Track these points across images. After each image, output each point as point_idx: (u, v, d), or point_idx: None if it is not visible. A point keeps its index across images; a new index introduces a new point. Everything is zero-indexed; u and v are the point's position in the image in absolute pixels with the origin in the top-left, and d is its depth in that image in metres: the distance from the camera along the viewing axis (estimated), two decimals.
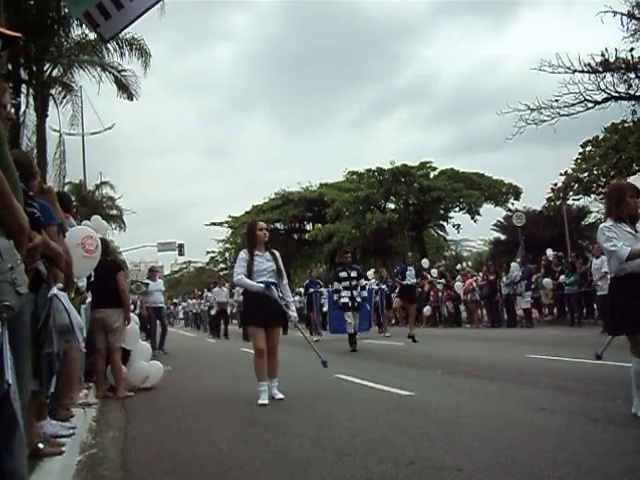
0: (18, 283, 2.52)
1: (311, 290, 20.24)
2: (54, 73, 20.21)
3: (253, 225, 7.28)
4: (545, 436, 4.49)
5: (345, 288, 13.96)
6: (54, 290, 3.88)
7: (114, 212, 35.55)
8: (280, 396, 6.87)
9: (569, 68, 23.41)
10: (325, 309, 19.46)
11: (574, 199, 30.87)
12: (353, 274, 14.07)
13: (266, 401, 6.61)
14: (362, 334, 16.15)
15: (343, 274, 14.11)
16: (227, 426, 5.67)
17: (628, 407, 5.37)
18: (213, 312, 25.14)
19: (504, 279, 20.47)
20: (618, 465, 3.60)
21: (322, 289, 20.53)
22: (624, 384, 6.63)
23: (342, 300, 13.90)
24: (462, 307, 23.54)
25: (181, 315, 48.18)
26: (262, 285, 6.87)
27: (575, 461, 3.74)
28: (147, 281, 16.59)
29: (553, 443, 4.26)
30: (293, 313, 7.30)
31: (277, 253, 7.27)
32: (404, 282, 16.18)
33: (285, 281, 7.27)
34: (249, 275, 6.95)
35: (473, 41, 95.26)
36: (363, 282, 14.70)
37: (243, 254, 7.14)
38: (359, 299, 14.09)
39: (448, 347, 10.33)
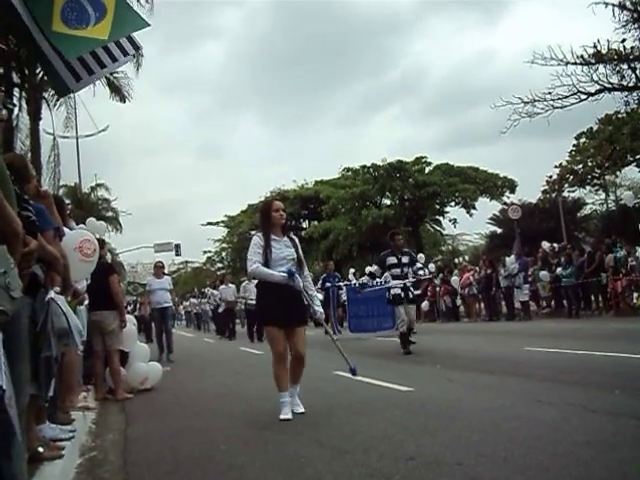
0: (12, 287, 2.52)
1: (328, 284, 18.52)
2: (46, 76, 20.17)
3: (268, 205, 6.20)
4: (543, 428, 4.50)
5: (395, 277, 11.50)
6: (51, 294, 3.88)
7: (110, 214, 35.53)
8: (301, 410, 5.87)
9: (562, 60, 23.45)
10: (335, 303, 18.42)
11: (569, 191, 31.02)
12: (405, 259, 11.56)
13: (289, 415, 5.63)
14: (383, 332, 15.73)
15: (392, 260, 11.56)
16: (226, 426, 5.68)
17: (626, 398, 5.40)
18: (220, 310, 23.48)
19: (502, 272, 20.49)
20: (617, 455, 3.62)
21: (340, 283, 19.12)
22: (621, 375, 6.69)
23: (393, 292, 11.39)
24: (459, 301, 23.58)
25: (182, 315, 47.77)
26: (285, 274, 5.79)
27: (574, 452, 3.75)
28: (147, 280, 15.02)
29: (551, 435, 4.27)
30: (318, 308, 6.20)
31: (296, 239, 6.23)
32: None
33: (307, 271, 6.19)
34: (265, 264, 5.85)
35: (465, 35, 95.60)
36: (418, 265, 12.63)
37: (257, 239, 5.96)
38: (415, 291, 11.89)
39: (446, 342, 10.36)
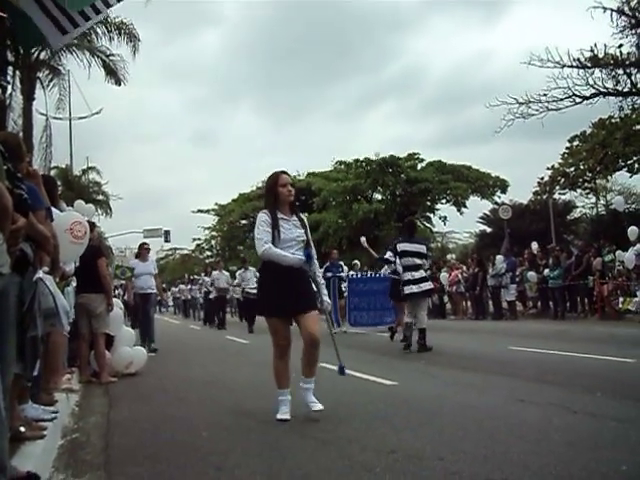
0: (0, 263, 2.51)
1: (329, 274, 16.65)
2: (41, 56, 20.05)
3: (273, 179, 5.39)
4: (525, 427, 4.53)
5: (406, 267, 10.40)
6: (40, 274, 3.87)
7: (100, 197, 35.35)
8: (318, 407, 5.14)
9: (558, 63, 23.50)
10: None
11: (560, 193, 31.15)
12: (420, 249, 10.60)
13: (287, 416, 5.09)
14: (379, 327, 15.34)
15: (405, 247, 10.46)
16: (209, 413, 5.68)
17: (607, 400, 5.44)
18: (212, 296, 22.14)
19: (490, 271, 20.56)
20: (596, 456, 3.65)
21: (342, 274, 17.47)
22: (604, 377, 6.74)
23: (408, 289, 10.30)
24: (446, 298, 23.62)
25: (170, 302, 47.16)
26: (302, 258, 5.22)
27: (554, 452, 3.78)
28: (134, 263, 13.44)
29: (533, 434, 4.30)
30: (326, 298, 5.54)
31: (305, 219, 5.58)
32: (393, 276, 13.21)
33: (315, 257, 5.48)
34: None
35: (464, 34, 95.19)
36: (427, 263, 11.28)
37: (265, 216, 5.26)
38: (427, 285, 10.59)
39: (432, 338, 10.37)
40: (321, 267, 19.64)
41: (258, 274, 6.52)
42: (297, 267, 5.20)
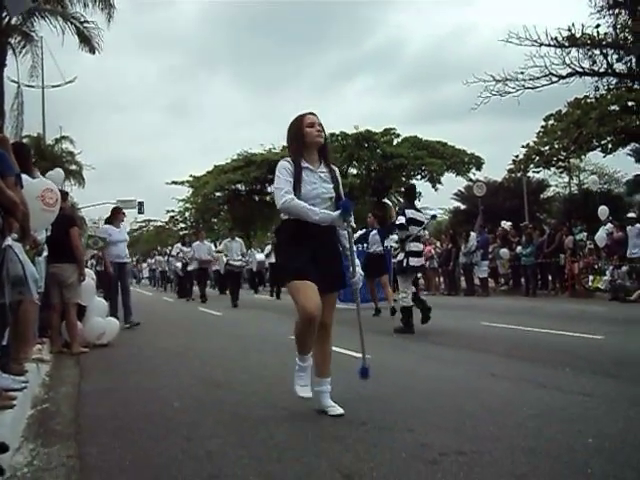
0: None
1: None
2: (13, 21, 19.63)
3: (298, 120, 4.39)
4: (495, 400, 4.59)
5: (418, 238, 9.60)
6: (8, 241, 3.80)
7: (73, 167, 34.94)
8: (338, 411, 4.23)
9: (536, 41, 23.52)
10: None
11: (534, 171, 31.26)
12: (424, 218, 9.80)
13: (309, 393, 4.33)
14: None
15: (412, 214, 9.55)
16: (181, 384, 5.67)
17: (575, 375, 5.53)
18: (191, 268, 21.15)
19: (462, 248, 20.70)
20: (564, 429, 3.70)
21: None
22: (573, 353, 6.85)
23: (414, 261, 9.37)
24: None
25: (146, 274, 46.26)
26: (334, 213, 4.22)
27: (523, 425, 3.84)
28: (108, 229, 11.96)
29: (502, 407, 4.36)
30: (359, 269, 4.47)
31: (337, 170, 4.53)
32: (370, 250, 13.13)
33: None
34: None
35: (443, 9, 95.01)
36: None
37: (286, 163, 4.31)
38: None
39: None
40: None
41: (275, 239, 5.34)
42: (325, 228, 4.24)
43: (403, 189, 10.29)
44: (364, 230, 13.86)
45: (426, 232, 9.44)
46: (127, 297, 11.80)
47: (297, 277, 4.14)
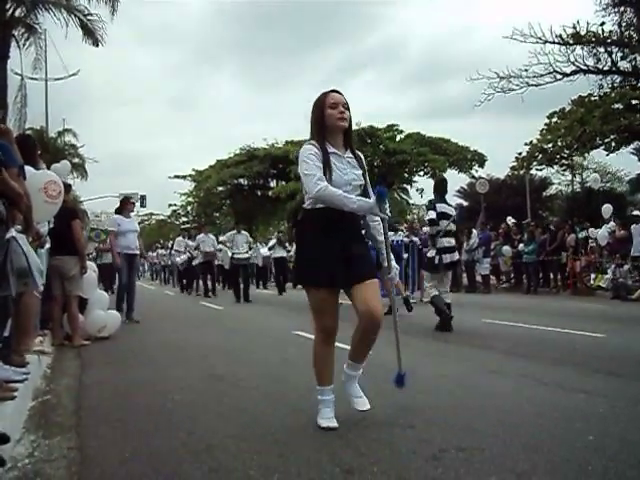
0: None
1: None
2: (17, 13, 19.61)
3: (320, 100, 3.94)
4: (496, 398, 4.59)
5: (445, 234, 9.25)
6: (12, 232, 3.80)
7: (76, 160, 34.87)
8: (365, 407, 4.04)
9: (540, 38, 23.55)
10: None
11: (537, 169, 31.26)
12: (453, 212, 9.42)
13: (333, 422, 3.81)
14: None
15: (443, 207, 9.30)
16: (182, 377, 5.67)
17: (576, 373, 5.53)
18: (195, 263, 20.73)
19: (465, 245, 20.67)
20: (565, 426, 3.70)
21: None
22: (574, 351, 6.84)
23: (448, 257, 9.17)
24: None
25: (146, 267, 46.31)
26: (373, 200, 3.75)
27: (524, 422, 3.83)
28: (117, 219, 11.43)
29: (503, 404, 4.36)
30: (394, 263, 4.13)
31: (362, 156, 4.12)
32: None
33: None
34: None
35: (447, 5, 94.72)
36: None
37: (313, 147, 3.84)
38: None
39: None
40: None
41: (294, 230, 5.04)
42: (355, 218, 3.90)
43: (433, 182, 9.82)
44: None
45: (453, 226, 9.22)
46: (132, 292, 11.37)
47: (317, 283, 3.84)
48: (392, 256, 4.10)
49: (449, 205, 9.45)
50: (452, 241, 9.29)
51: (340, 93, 3.97)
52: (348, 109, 3.92)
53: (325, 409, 3.89)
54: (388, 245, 4.05)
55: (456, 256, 9.46)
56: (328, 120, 3.87)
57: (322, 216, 3.81)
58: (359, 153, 4.06)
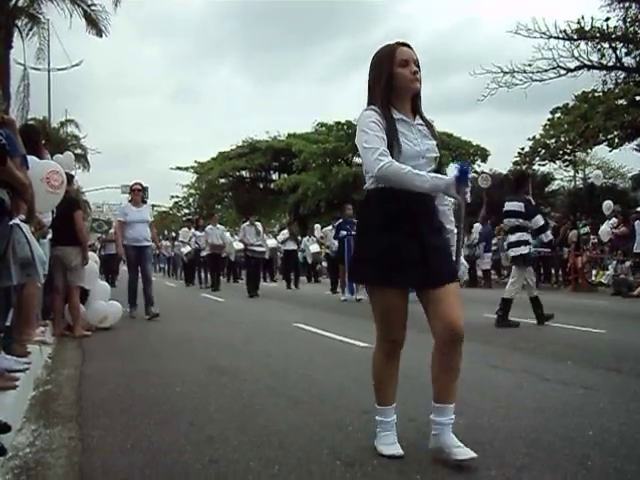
0: None
1: (344, 233, 14.38)
2: (20, 3, 19.59)
3: (387, 53, 3.18)
4: (497, 392, 4.60)
5: (516, 228, 9.12)
6: (16, 220, 3.79)
7: (78, 151, 34.83)
8: (469, 455, 2.97)
9: (544, 33, 23.46)
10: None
11: (540, 164, 31.22)
12: (518, 207, 9.13)
13: (398, 450, 3.16)
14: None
15: (507, 205, 9.21)
16: (183, 369, 5.68)
17: (577, 368, 5.53)
18: (203, 254, 20.15)
19: (465, 240, 20.66)
20: (565, 421, 3.70)
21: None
22: (575, 347, 6.84)
23: (523, 249, 9.02)
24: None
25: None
26: (451, 178, 2.97)
27: (524, 417, 3.84)
28: (125, 208, 10.93)
29: (504, 399, 4.36)
30: (464, 264, 3.71)
31: (434, 124, 3.35)
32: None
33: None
34: None
35: (452, 0, 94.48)
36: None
37: (373, 114, 3.06)
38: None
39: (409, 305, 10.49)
40: (329, 225, 18.25)
41: (357, 217, 4.22)
42: (430, 201, 3.15)
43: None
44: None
45: (527, 222, 8.98)
46: (149, 285, 10.64)
47: (382, 282, 3.12)
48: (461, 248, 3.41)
49: (517, 201, 9.16)
50: (512, 238, 9.24)
51: (410, 47, 3.20)
52: (419, 69, 3.16)
53: (386, 433, 3.25)
54: (461, 237, 3.37)
55: (518, 251, 9.23)
56: (399, 81, 3.10)
57: (391, 197, 3.04)
58: (430, 120, 3.29)
